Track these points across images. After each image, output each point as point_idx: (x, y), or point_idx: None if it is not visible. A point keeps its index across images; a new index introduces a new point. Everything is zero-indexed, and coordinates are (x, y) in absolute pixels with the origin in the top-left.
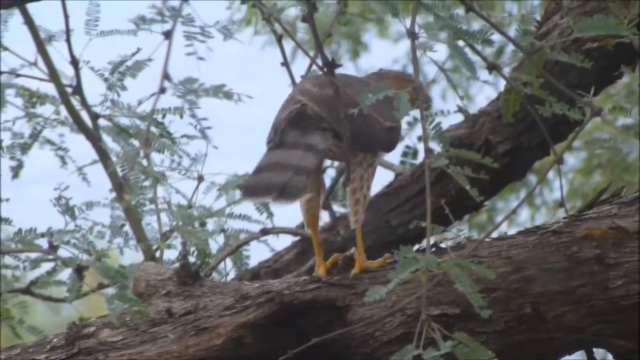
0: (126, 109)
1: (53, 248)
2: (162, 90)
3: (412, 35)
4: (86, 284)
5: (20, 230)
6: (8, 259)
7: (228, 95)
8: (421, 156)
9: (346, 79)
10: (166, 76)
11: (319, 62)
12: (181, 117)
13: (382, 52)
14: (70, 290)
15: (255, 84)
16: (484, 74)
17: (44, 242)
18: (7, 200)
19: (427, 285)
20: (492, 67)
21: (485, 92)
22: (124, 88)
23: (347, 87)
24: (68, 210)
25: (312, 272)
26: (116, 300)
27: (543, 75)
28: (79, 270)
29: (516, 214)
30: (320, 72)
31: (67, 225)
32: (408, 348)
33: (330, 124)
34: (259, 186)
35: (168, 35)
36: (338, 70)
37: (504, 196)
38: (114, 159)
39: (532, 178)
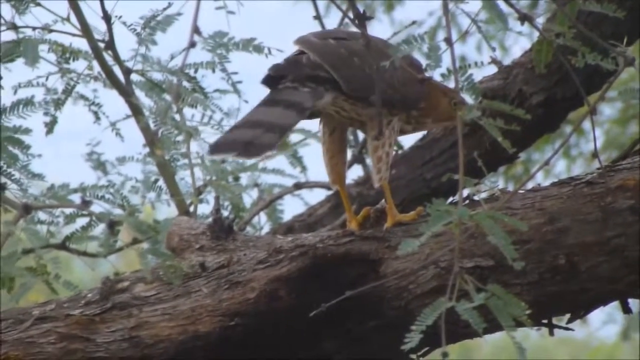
0: (156, 64)
1: (85, 203)
2: (192, 45)
3: None
4: (121, 240)
5: (52, 185)
6: (42, 215)
7: (258, 49)
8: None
9: (353, 34)
10: (196, 30)
11: (351, 15)
12: (213, 71)
13: (416, 5)
14: (103, 245)
15: (289, 39)
16: (518, 25)
17: (77, 198)
18: (40, 156)
19: (460, 237)
20: (524, 19)
21: (520, 43)
22: (154, 43)
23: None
24: (99, 165)
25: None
26: (149, 255)
27: (575, 25)
28: (112, 225)
29: (552, 165)
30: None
31: (99, 180)
32: (441, 300)
33: (327, 73)
34: (224, 143)
35: None
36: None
37: (540, 147)
38: (146, 113)
39: (568, 129)
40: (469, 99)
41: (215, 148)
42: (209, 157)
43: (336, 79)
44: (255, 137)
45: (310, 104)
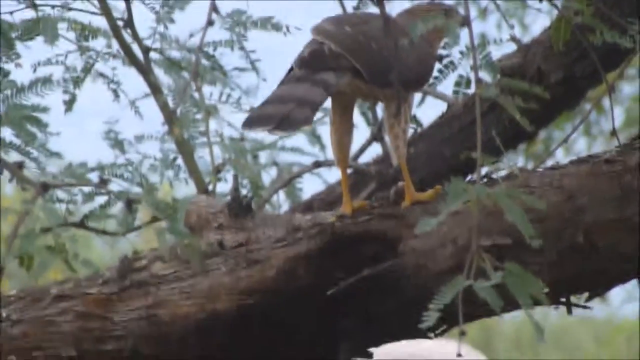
0: (175, 42)
1: (103, 182)
2: (211, 23)
3: None
4: (139, 218)
5: (70, 164)
6: (61, 194)
7: (277, 27)
8: (474, 86)
9: (366, 17)
10: (214, 9)
11: None
12: (232, 49)
13: None
14: (121, 223)
15: (310, 17)
16: (537, 3)
17: (95, 176)
18: (59, 134)
19: (477, 216)
20: None
21: (541, 20)
22: (172, 21)
23: (366, 24)
24: (117, 144)
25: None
26: (167, 233)
27: (594, 3)
28: (129, 204)
29: (572, 143)
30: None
31: (117, 158)
32: (459, 279)
33: (349, 62)
34: (259, 117)
35: None
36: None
37: (561, 125)
38: (165, 92)
39: (588, 107)
40: (487, 77)
41: (250, 122)
42: (244, 131)
43: (357, 67)
44: (289, 111)
45: (334, 81)
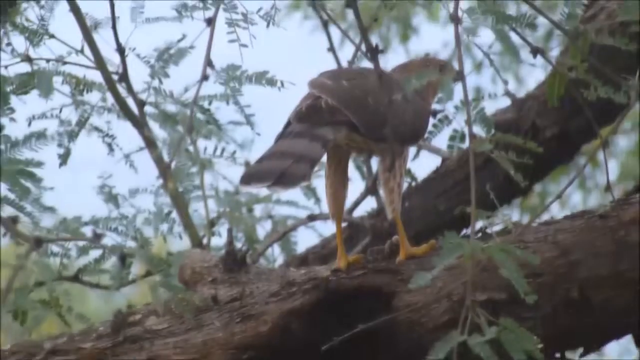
0: (169, 96)
1: (97, 236)
2: (205, 77)
3: (455, 19)
4: (134, 272)
5: (64, 218)
6: (55, 247)
7: (271, 82)
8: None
9: (362, 71)
10: (209, 63)
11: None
12: (227, 103)
13: (432, 36)
14: (114, 278)
15: (306, 69)
16: (532, 58)
17: (89, 230)
18: (52, 188)
19: (472, 271)
20: (536, 51)
21: (535, 75)
22: (166, 75)
23: (362, 79)
24: (111, 198)
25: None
26: (161, 288)
27: (587, 59)
28: (123, 258)
29: (567, 197)
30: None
31: (110, 212)
32: (453, 334)
33: (345, 116)
34: (257, 173)
35: (210, 22)
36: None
37: (556, 179)
38: (160, 145)
39: (583, 161)
40: (481, 131)
41: (247, 178)
42: (242, 188)
43: (354, 122)
44: (287, 167)
45: (332, 137)
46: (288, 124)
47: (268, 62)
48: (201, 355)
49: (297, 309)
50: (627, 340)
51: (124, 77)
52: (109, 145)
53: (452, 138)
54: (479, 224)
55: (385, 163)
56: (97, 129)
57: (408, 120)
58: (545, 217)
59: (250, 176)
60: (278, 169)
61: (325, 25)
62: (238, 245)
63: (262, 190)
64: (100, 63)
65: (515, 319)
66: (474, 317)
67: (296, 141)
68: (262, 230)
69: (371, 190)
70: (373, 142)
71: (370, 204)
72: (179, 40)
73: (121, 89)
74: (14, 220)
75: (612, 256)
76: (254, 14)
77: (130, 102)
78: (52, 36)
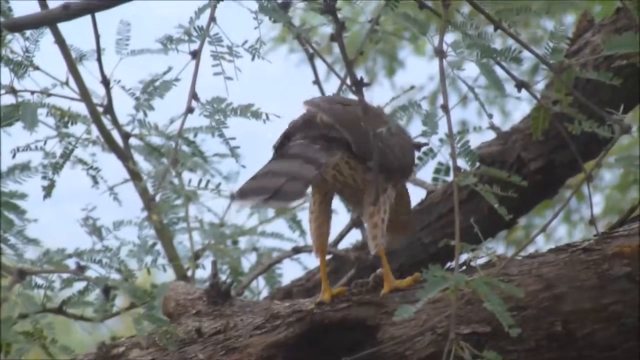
0: (153, 129)
1: (81, 268)
2: (190, 110)
3: (440, 53)
4: (118, 304)
5: (48, 250)
6: (39, 279)
7: (256, 115)
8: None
9: (354, 101)
10: (194, 96)
11: (349, 81)
12: (212, 135)
13: (418, 69)
14: (98, 310)
15: (292, 101)
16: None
17: (73, 262)
18: (36, 220)
19: (456, 304)
20: (521, 85)
21: (521, 108)
22: (151, 108)
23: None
24: (95, 230)
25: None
26: (144, 320)
27: (572, 93)
28: (107, 290)
29: (553, 231)
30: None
31: (94, 245)
32: None
33: (339, 133)
34: (252, 190)
35: (195, 55)
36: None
37: (541, 213)
38: (144, 177)
39: (568, 194)
40: (466, 164)
41: (243, 193)
42: (237, 203)
43: (347, 139)
44: (282, 184)
45: (325, 160)
46: (276, 151)
47: (253, 94)
48: None
49: (281, 341)
50: None
51: (109, 109)
52: (94, 178)
53: (437, 171)
54: (463, 257)
55: (370, 197)
56: (81, 161)
57: (397, 155)
58: (530, 249)
59: (247, 191)
60: (273, 186)
61: (311, 58)
62: (222, 277)
63: (248, 222)
64: (85, 95)
65: (499, 353)
66: (458, 351)
67: (289, 162)
68: (247, 262)
69: (356, 222)
70: (360, 173)
71: (355, 236)
72: (164, 73)
73: (106, 121)
74: None
75: (595, 290)
76: (239, 47)
77: (115, 135)
78: (36, 68)
